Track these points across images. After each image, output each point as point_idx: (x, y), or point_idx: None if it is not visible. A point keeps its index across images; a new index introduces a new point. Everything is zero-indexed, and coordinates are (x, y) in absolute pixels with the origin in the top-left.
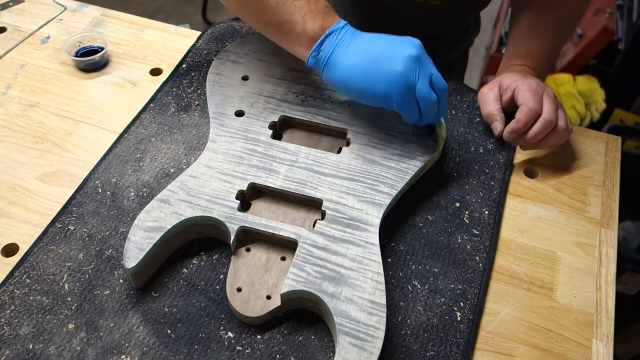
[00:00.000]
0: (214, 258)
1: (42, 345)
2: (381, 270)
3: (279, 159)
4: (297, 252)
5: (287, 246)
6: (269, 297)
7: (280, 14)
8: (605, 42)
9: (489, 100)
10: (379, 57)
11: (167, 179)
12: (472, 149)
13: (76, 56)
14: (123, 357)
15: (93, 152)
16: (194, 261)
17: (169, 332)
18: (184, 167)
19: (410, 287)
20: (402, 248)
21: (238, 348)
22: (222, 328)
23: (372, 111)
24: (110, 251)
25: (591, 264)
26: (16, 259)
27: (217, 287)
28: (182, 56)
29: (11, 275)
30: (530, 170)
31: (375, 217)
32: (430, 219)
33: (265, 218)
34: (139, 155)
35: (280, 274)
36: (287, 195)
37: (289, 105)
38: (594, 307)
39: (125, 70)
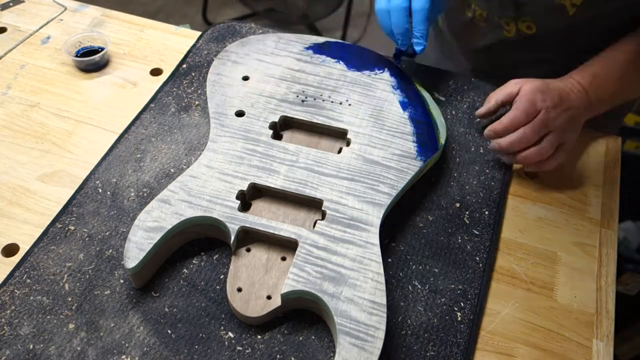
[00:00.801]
0: (214, 258)
1: (42, 345)
2: (381, 270)
3: (279, 158)
4: (297, 252)
5: (287, 246)
6: (269, 297)
7: None
8: None
9: (502, 89)
10: None
11: (167, 179)
12: (472, 149)
13: (76, 56)
14: (123, 357)
15: (93, 152)
16: (194, 261)
17: (169, 332)
18: (184, 167)
19: (410, 287)
20: (402, 248)
21: (238, 348)
22: (222, 328)
23: (372, 111)
24: (110, 251)
25: (591, 264)
26: (16, 258)
27: (217, 287)
28: (182, 56)
29: (11, 275)
30: (531, 170)
31: (375, 217)
32: (430, 219)
33: (265, 218)
34: (139, 155)
35: (281, 273)
36: (287, 195)
37: (289, 105)
38: (594, 307)
39: (125, 70)
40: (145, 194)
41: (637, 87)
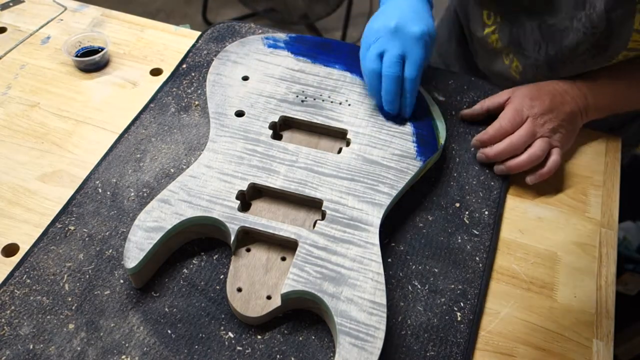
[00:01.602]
0: (214, 258)
1: (42, 345)
2: (381, 270)
3: (279, 158)
4: (297, 252)
5: (287, 246)
6: (269, 297)
7: None
8: None
9: (493, 97)
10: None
11: (167, 179)
12: (472, 149)
13: (76, 56)
14: (123, 357)
15: (93, 152)
16: (194, 261)
17: (169, 332)
18: (184, 167)
19: (410, 287)
20: (402, 248)
21: (238, 348)
22: (222, 328)
23: (372, 111)
24: (110, 251)
25: (591, 264)
26: (16, 258)
27: (217, 287)
28: (182, 56)
29: (11, 275)
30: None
31: (375, 217)
32: (430, 219)
33: (265, 218)
34: (138, 155)
35: (280, 273)
36: (287, 195)
37: (288, 105)
38: (594, 307)
39: (125, 70)
40: (145, 194)
41: (636, 102)
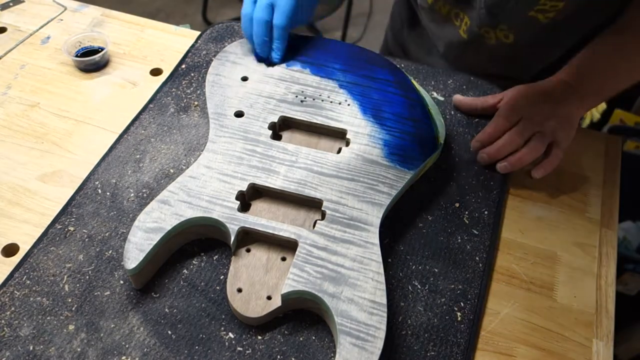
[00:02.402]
0: (214, 258)
1: (42, 347)
2: (381, 270)
3: (279, 159)
4: (297, 252)
5: (287, 246)
6: (269, 298)
7: None
8: None
9: (484, 97)
10: None
11: (166, 180)
12: (472, 149)
13: (76, 56)
14: (123, 357)
15: (93, 152)
16: (194, 261)
17: (169, 332)
18: (184, 167)
19: (410, 287)
20: (402, 248)
21: (238, 348)
22: (222, 328)
23: (372, 111)
24: (110, 252)
25: (591, 264)
26: (16, 259)
27: (217, 288)
28: (182, 56)
29: (11, 276)
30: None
31: (375, 216)
32: (430, 218)
33: (265, 218)
34: (138, 156)
35: (281, 274)
36: (287, 196)
37: (288, 105)
38: (593, 307)
39: (125, 70)
40: (144, 195)
41: (627, 76)
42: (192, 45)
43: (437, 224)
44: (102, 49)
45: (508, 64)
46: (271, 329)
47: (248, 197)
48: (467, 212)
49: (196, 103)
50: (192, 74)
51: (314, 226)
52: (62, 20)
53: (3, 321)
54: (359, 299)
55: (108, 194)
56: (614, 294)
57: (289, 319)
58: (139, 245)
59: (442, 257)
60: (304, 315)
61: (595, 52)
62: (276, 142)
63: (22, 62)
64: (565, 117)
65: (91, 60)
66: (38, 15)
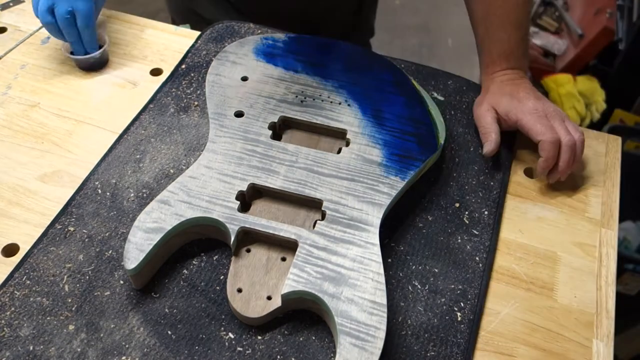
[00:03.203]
0: (214, 258)
1: (42, 347)
2: (381, 270)
3: (279, 159)
4: (297, 253)
5: (287, 246)
6: (269, 298)
7: None
8: (605, 42)
9: (488, 122)
10: None
11: (166, 180)
12: (472, 149)
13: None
14: (123, 358)
15: (93, 152)
16: (194, 262)
17: (169, 332)
18: (184, 167)
19: (410, 287)
20: (402, 248)
21: (238, 349)
22: (222, 329)
23: (372, 111)
24: (110, 252)
25: (591, 264)
26: (16, 259)
27: (218, 288)
28: (182, 56)
29: (11, 276)
30: (530, 170)
31: (375, 217)
32: (430, 219)
33: (265, 218)
34: (138, 156)
35: (281, 274)
36: (287, 196)
37: (288, 105)
38: (594, 307)
39: (125, 70)
40: (144, 195)
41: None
42: (192, 45)
43: (437, 224)
44: (101, 47)
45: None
46: (271, 329)
47: (248, 197)
48: (467, 212)
49: (196, 103)
50: (192, 74)
51: (314, 226)
52: None
53: (3, 321)
54: (359, 299)
55: (108, 194)
56: (614, 294)
57: (289, 319)
58: (139, 245)
59: (442, 257)
60: (304, 315)
61: (497, 28)
62: (276, 142)
63: (22, 62)
64: (540, 96)
65: (90, 59)
66: None
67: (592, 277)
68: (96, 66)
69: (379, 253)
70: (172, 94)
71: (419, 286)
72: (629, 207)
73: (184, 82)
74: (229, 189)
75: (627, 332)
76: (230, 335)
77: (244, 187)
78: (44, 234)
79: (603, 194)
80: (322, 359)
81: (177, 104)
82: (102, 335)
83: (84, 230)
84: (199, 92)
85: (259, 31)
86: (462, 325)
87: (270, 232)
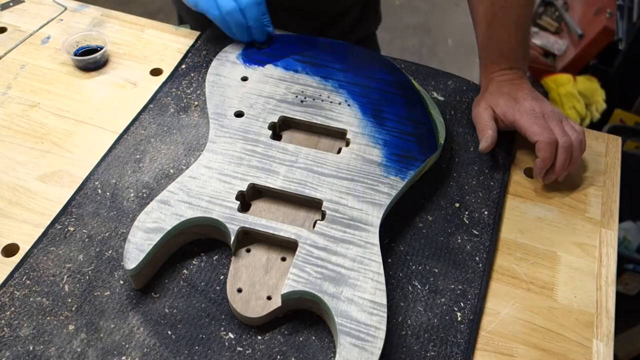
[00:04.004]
0: (214, 259)
1: (42, 347)
2: (381, 270)
3: (279, 159)
4: (297, 253)
5: (287, 246)
6: (269, 298)
7: None
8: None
9: (485, 120)
10: None
11: (166, 180)
12: (472, 149)
13: (75, 55)
14: (123, 358)
15: (93, 152)
16: (194, 262)
17: (169, 332)
18: (184, 167)
19: (410, 287)
20: (402, 248)
21: (238, 349)
22: (222, 329)
23: (372, 111)
24: (110, 252)
25: (591, 264)
26: (16, 258)
27: (217, 288)
28: (182, 56)
29: (11, 276)
30: (530, 170)
31: (375, 217)
32: (430, 219)
33: (265, 218)
34: (138, 156)
35: (281, 274)
36: (287, 196)
37: (288, 105)
38: (594, 307)
39: (125, 70)
40: (144, 195)
41: (525, 26)
42: (192, 45)
43: (437, 224)
44: (102, 48)
45: None
46: (271, 329)
47: (248, 197)
48: (467, 213)
49: (196, 103)
50: (192, 74)
51: (314, 226)
52: (62, 20)
53: (3, 321)
54: (359, 299)
55: (108, 194)
56: (614, 294)
57: (289, 319)
58: (138, 245)
59: (442, 257)
60: (304, 315)
61: (498, 28)
62: (276, 142)
63: (22, 62)
64: (538, 97)
65: (91, 59)
66: (38, 15)
67: (592, 277)
68: (96, 66)
69: (379, 253)
70: (172, 94)
71: (419, 286)
72: (629, 207)
73: (184, 82)
74: (229, 189)
75: (627, 332)
76: (230, 335)
77: (243, 187)
78: (44, 234)
79: (603, 194)
80: (322, 359)
81: (177, 104)
82: (102, 335)
83: (84, 230)
84: (199, 92)
85: None
86: (462, 325)
87: (270, 232)
